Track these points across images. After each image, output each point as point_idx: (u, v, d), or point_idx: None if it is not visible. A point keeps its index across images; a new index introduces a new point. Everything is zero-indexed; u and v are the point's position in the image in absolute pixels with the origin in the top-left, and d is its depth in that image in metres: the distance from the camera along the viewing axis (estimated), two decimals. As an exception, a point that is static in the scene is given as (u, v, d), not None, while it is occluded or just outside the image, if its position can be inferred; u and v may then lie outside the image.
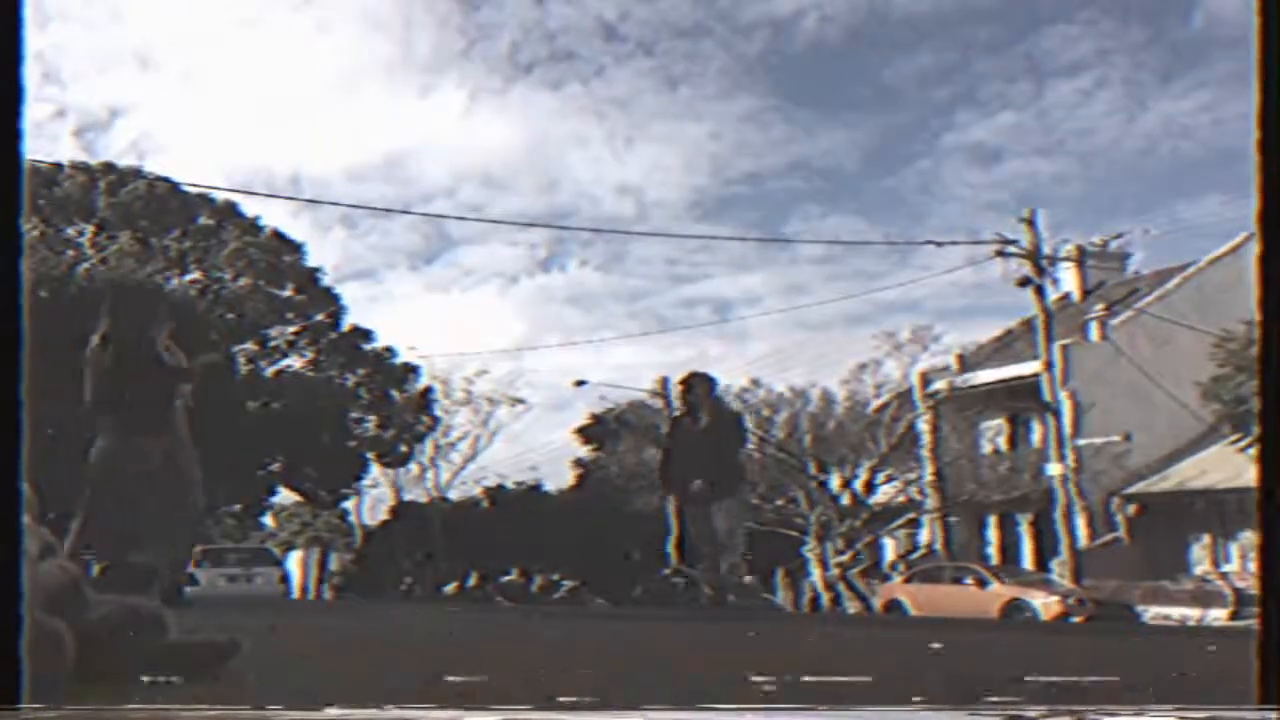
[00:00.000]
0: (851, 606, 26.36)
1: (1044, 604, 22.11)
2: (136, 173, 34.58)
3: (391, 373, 36.02)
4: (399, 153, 79.39)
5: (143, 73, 70.44)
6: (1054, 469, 27.18)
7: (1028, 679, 3.30)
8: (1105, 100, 68.86)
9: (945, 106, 70.26)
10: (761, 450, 29.72)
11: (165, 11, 68.62)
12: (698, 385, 9.54)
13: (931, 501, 30.57)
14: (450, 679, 3.27)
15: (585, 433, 42.66)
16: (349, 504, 40.98)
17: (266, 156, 78.74)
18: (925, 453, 30.14)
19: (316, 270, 36.06)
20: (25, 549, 2.18)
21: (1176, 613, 21.35)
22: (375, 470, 37.73)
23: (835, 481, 29.13)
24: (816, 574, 28.61)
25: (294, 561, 41.37)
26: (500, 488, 39.78)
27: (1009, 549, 32.02)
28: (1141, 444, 28.88)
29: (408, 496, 40.79)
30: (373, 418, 35.60)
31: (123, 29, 68.38)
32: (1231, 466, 24.52)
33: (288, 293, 35.04)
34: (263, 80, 74.45)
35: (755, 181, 74.75)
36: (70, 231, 33.64)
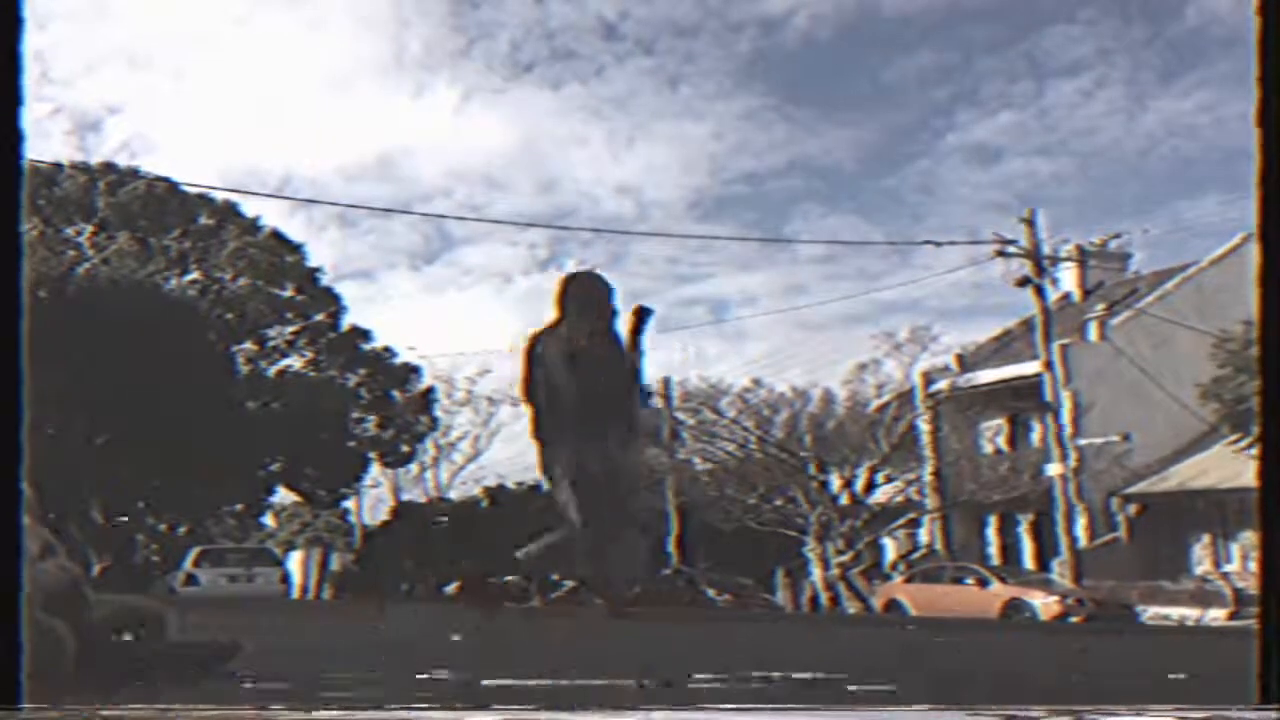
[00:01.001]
0: (851, 606, 26.36)
1: (1043, 604, 22.12)
2: (135, 173, 34.57)
3: (392, 373, 36.00)
4: (397, 152, 79.32)
5: (133, 71, 70.20)
6: (1054, 469, 27.18)
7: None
8: (1106, 100, 68.82)
9: (946, 106, 70.21)
10: (762, 450, 29.74)
11: (156, 9, 68.39)
12: None
13: (931, 501, 30.57)
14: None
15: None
16: (349, 504, 40.99)
17: (259, 156, 78.65)
18: (926, 453, 30.14)
19: (316, 270, 36.06)
20: (25, 549, 2.18)
21: (1176, 613, 21.37)
22: (375, 470, 37.73)
23: (835, 481, 29.12)
24: (817, 574, 28.61)
25: (294, 561, 41.32)
26: (500, 488, 39.78)
27: (1009, 549, 32.02)
28: (1142, 444, 28.88)
29: (407, 496, 40.81)
30: (373, 418, 35.58)
31: (112, 27, 68.24)
32: (1231, 466, 24.51)
33: (288, 293, 35.01)
34: (256, 79, 74.31)
35: (755, 181, 74.75)
36: (70, 231, 33.63)
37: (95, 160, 35.62)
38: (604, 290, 6.33)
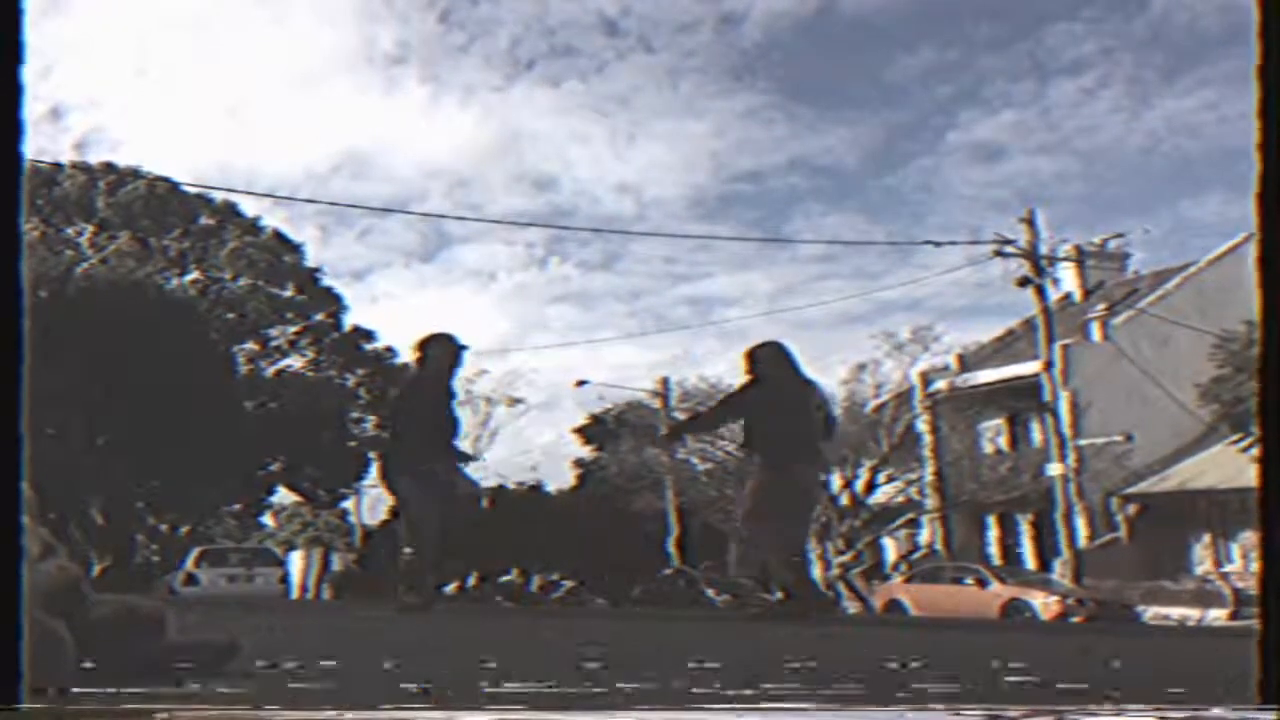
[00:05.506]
0: (852, 607, 26.35)
1: (1044, 604, 22.11)
2: (136, 173, 34.58)
3: (392, 372, 36.01)
4: (389, 150, 79.41)
5: (94, 68, 69.85)
6: (1054, 469, 27.17)
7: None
8: (1108, 98, 68.98)
9: (948, 104, 70.40)
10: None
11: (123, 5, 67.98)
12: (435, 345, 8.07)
13: (932, 501, 30.55)
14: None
15: (585, 433, 42.67)
16: (349, 504, 41.00)
17: (231, 153, 78.66)
18: (926, 453, 30.11)
19: (317, 270, 36.10)
20: (25, 549, 2.18)
21: (1177, 613, 21.36)
22: (375, 470, 37.74)
23: (835, 481, 29.11)
24: (817, 574, 28.60)
25: (294, 561, 41.34)
26: (500, 488, 39.78)
27: (1010, 549, 32.03)
28: (1142, 444, 28.87)
29: (407, 496, 40.77)
30: (373, 418, 35.61)
31: (75, 22, 67.97)
32: (1231, 466, 24.51)
33: (288, 293, 35.05)
34: (234, 77, 74.29)
35: (756, 179, 74.87)
36: (70, 231, 33.65)
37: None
38: (457, 348, 8.12)
